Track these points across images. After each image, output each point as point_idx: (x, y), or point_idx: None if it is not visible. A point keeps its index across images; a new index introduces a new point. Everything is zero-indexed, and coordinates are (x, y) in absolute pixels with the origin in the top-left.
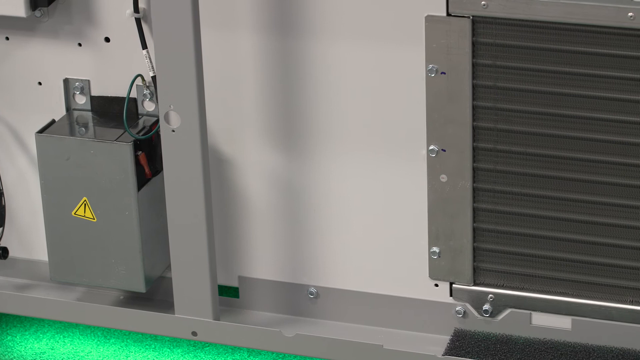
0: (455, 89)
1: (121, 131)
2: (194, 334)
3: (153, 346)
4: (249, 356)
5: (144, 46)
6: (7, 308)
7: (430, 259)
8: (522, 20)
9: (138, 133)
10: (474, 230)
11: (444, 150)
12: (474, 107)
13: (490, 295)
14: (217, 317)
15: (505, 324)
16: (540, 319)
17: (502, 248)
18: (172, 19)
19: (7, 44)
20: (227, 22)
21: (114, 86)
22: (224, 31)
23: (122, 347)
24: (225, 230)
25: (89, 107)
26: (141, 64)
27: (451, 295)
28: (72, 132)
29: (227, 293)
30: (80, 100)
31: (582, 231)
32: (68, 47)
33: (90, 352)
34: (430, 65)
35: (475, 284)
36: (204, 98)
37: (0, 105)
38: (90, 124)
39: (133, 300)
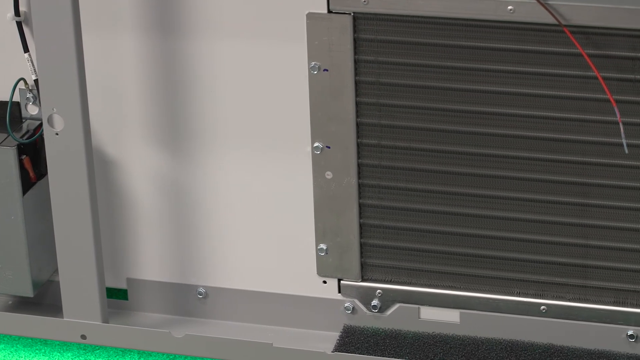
0: (338, 86)
1: (4, 135)
2: (83, 337)
3: (43, 350)
4: (139, 358)
5: (26, 49)
6: None
7: (317, 256)
8: (403, 15)
9: (22, 137)
10: (361, 226)
11: (329, 147)
12: (357, 104)
13: (378, 291)
14: (106, 320)
15: (394, 318)
16: (429, 313)
17: (388, 243)
18: (53, 21)
19: None
20: (108, 24)
21: None
22: (106, 33)
23: (11, 352)
24: (112, 232)
25: None
26: (23, 67)
27: (339, 292)
28: None
29: (116, 295)
30: None
31: (468, 224)
32: None
33: None
34: (313, 63)
35: (363, 280)
36: (87, 100)
37: None
38: None
39: (21, 304)
